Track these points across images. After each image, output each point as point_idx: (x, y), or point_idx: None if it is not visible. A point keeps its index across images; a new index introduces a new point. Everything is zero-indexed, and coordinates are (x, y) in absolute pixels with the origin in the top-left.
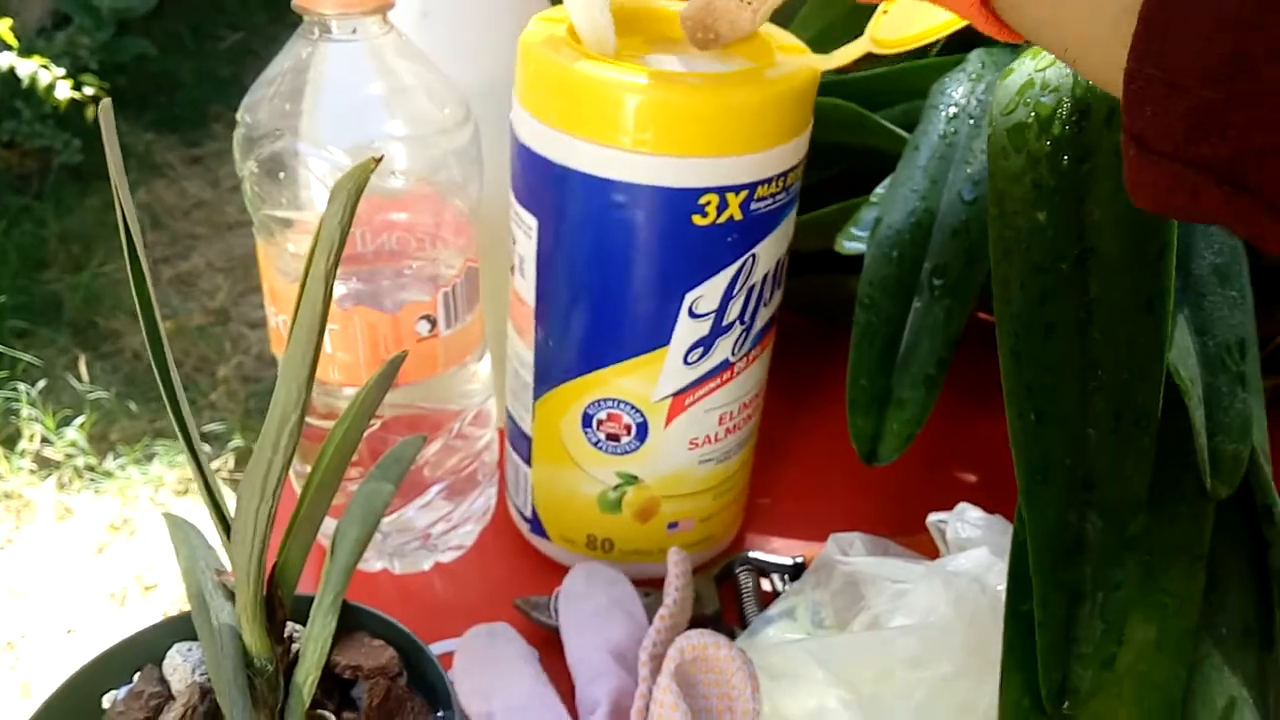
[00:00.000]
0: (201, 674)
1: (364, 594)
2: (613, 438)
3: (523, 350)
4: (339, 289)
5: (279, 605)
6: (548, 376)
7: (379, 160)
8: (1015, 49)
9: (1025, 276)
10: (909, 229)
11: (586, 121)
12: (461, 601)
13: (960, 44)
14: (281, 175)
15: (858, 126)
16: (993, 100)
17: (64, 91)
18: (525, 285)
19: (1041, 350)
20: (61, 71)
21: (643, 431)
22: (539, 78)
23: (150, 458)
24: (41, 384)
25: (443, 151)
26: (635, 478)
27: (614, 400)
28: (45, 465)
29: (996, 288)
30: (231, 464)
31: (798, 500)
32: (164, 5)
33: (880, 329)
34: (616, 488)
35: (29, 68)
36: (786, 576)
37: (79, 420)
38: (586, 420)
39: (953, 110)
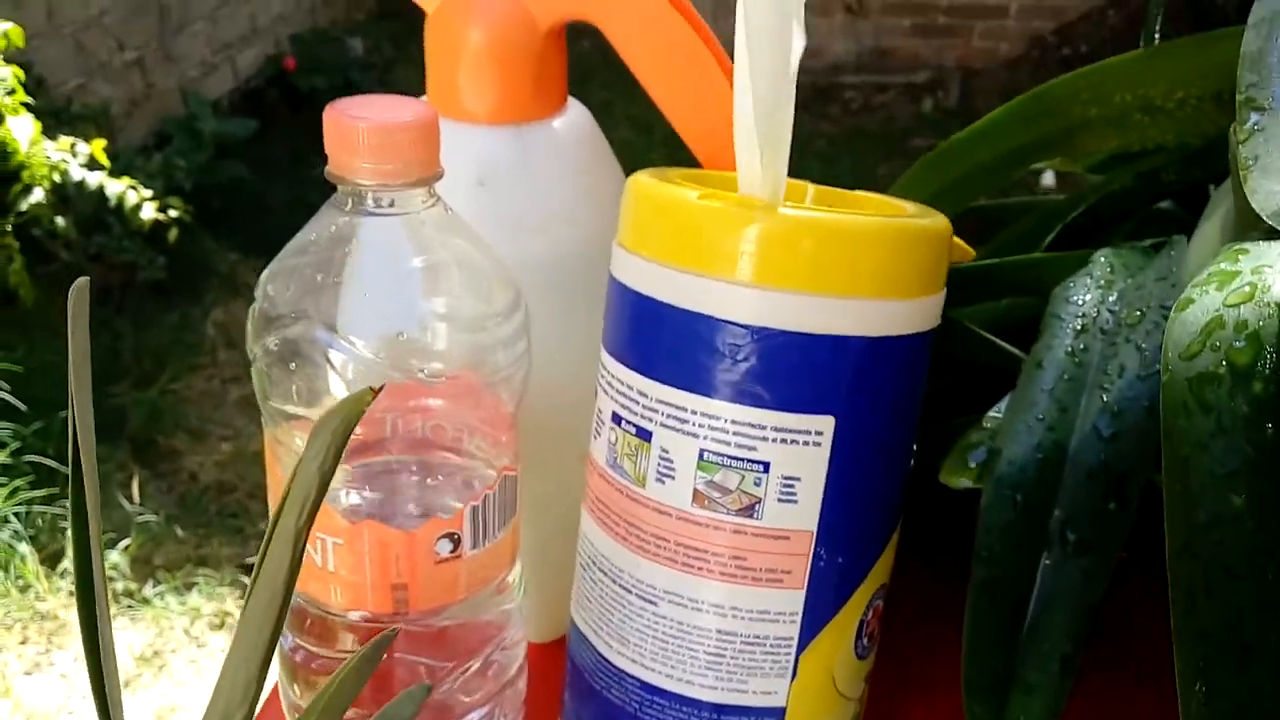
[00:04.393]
0: None
1: None
2: (872, 637)
3: (779, 602)
4: (351, 497)
5: None
6: (828, 605)
7: (377, 392)
8: (1145, 252)
9: (1214, 580)
10: (1034, 467)
11: (900, 279)
12: None
13: (1072, 236)
14: (293, 365)
15: (953, 336)
16: (1166, 339)
17: (149, 213)
18: (794, 513)
19: (1234, 685)
20: (149, 193)
21: (886, 609)
22: (836, 245)
23: (190, 587)
24: None
25: (487, 340)
26: (871, 668)
27: (882, 586)
28: None
29: (1175, 591)
30: None
31: None
32: (265, 130)
33: (1003, 589)
34: (861, 695)
35: (117, 188)
36: None
37: (124, 543)
38: (860, 630)
39: (1079, 323)
